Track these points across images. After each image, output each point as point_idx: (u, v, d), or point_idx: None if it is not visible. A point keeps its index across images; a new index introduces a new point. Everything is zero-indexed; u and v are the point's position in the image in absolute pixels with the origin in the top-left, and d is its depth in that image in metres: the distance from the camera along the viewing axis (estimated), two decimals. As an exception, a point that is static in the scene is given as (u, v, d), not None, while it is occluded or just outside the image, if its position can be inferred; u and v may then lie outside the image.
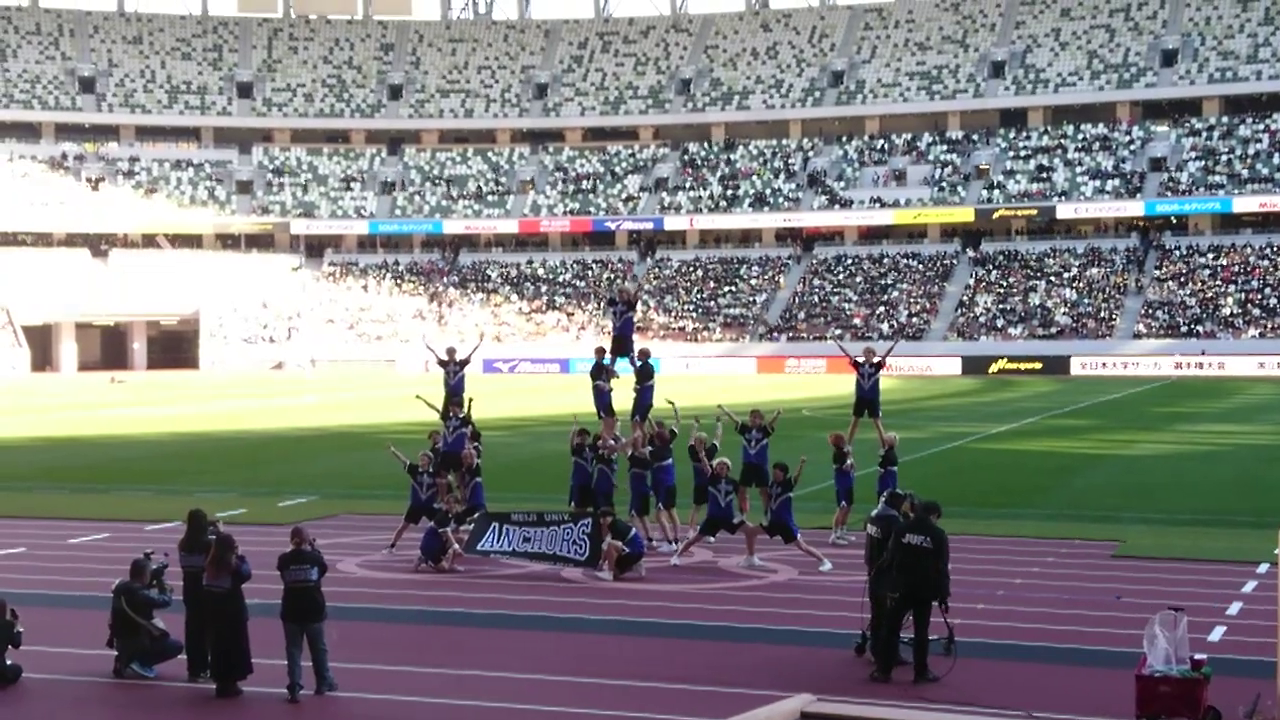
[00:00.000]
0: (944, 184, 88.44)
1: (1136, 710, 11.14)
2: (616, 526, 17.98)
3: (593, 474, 19.97)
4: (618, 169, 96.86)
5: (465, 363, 21.97)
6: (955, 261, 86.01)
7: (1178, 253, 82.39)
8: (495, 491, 21.87)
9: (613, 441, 20.27)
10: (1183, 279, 79.73)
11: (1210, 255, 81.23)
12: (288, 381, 72.16)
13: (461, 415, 20.70)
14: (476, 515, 19.13)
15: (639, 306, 22.02)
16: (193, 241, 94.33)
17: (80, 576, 17.77)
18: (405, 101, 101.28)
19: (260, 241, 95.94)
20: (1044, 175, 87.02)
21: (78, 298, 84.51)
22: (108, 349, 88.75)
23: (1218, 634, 14.29)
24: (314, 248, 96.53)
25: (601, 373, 21.17)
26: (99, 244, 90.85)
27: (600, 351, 21.68)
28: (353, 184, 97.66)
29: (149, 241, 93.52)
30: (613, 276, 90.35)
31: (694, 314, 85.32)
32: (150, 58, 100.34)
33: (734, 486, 18.84)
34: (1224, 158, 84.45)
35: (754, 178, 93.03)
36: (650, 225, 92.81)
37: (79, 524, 22.42)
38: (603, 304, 23.79)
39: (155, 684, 13.06)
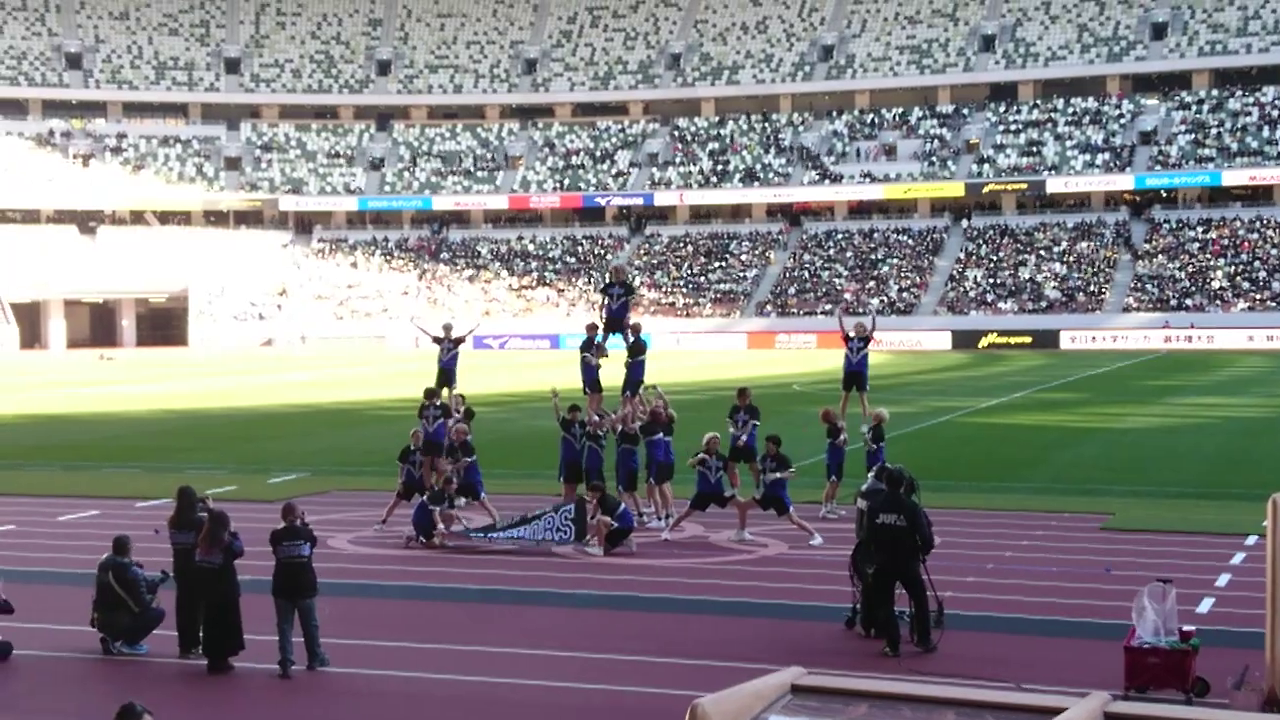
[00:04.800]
0: (934, 158, 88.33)
1: (1125, 681, 11.19)
2: (606, 502, 17.98)
3: (581, 450, 19.99)
4: (607, 144, 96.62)
5: (460, 341, 22.00)
6: (945, 236, 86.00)
7: (1167, 226, 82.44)
8: (486, 468, 21.86)
9: (596, 418, 20.28)
10: (1172, 252, 79.80)
11: (1200, 228, 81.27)
12: (277, 358, 72.06)
13: (440, 404, 20.44)
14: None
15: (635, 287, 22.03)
16: (181, 218, 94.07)
17: (71, 554, 17.76)
18: (394, 77, 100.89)
19: (249, 218, 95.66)
20: (1034, 149, 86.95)
21: (66, 275, 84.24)
22: (96, 326, 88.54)
23: (1206, 606, 14.35)
24: (303, 224, 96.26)
25: (591, 348, 21.21)
26: (87, 221, 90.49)
27: (592, 328, 21.71)
28: (341, 160, 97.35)
29: (137, 218, 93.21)
30: (602, 253, 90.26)
31: (684, 290, 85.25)
32: (137, 33, 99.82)
33: (723, 462, 18.86)
34: (1213, 131, 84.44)
35: (744, 153, 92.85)
36: (640, 201, 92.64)
37: (69, 501, 22.40)
38: (599, 287, 23.33)
39: (146, 660, 13.07)
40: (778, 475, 17.99)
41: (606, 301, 21.39)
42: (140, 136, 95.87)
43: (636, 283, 23.10)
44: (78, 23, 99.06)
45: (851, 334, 22.13)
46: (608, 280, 21.77)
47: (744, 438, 19.79)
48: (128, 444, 30.98)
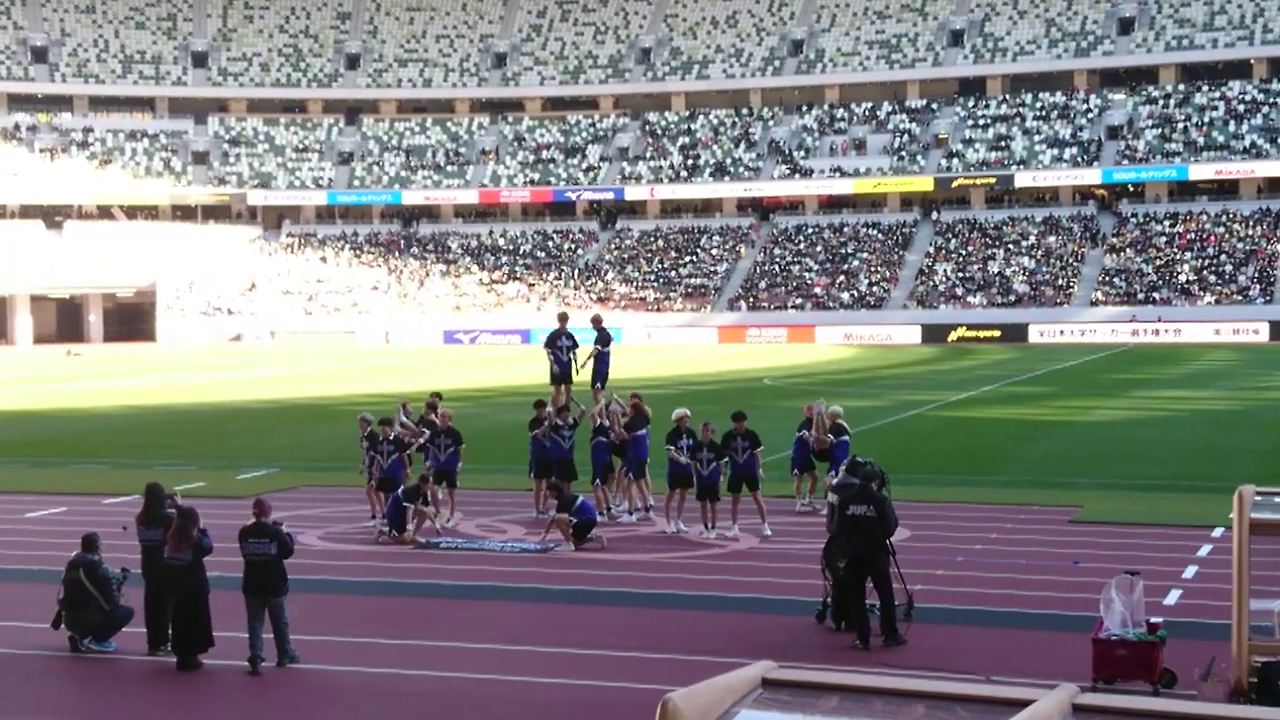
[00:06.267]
0: (903, 153, 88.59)
1: (1093, 673, 11.26)
2: (561, 499, 17.95)
3: (546, 444, 20.00)
4: (578, 139, 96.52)
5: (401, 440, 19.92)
6: (914, 230, 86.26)
7: (1134, 220, 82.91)
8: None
9: (553, 410, 20.37)
10: (1139, 246, 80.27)
11: (1167, 223, 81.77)
12: (246, 353, 71.72)
13: (393, 437, 19.50)
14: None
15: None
16: (148, 213, 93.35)
17: (38, 550, 17.65)
18: (363, 71, 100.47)
19: (217, 213, 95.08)
20: (1002, 144, 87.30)
21: (32, 270, 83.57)
22: (63, 321, 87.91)
23: (1173, 597, 14.45)
24: (271, 219, 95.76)
25: (559, 339, 21.40)
26: (53, 215, 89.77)
27: (563, 318, 21.94)
28: (310, 154, 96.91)
29: (104, 213, 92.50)
30: (573, 248, 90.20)
31: (655, 284, 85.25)
32: (104, 27, 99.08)
33: (692, 439, 18.53)
34: (1180, 126, 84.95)
35: (714, 147, 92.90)
36: (611, 195, 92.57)
37: (36, 498, 22.25)
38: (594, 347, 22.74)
39: (115, 657, 13.00)
40: (750, 453, 18.09)
41: (595, 352, 21.43)
42: (107, 130, 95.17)
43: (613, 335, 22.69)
44: (43, 15, 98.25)
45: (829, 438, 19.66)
46: (599, 337, 21.76)
47: (706, 473, 18.24)
48: (95, 440, 30.79)
